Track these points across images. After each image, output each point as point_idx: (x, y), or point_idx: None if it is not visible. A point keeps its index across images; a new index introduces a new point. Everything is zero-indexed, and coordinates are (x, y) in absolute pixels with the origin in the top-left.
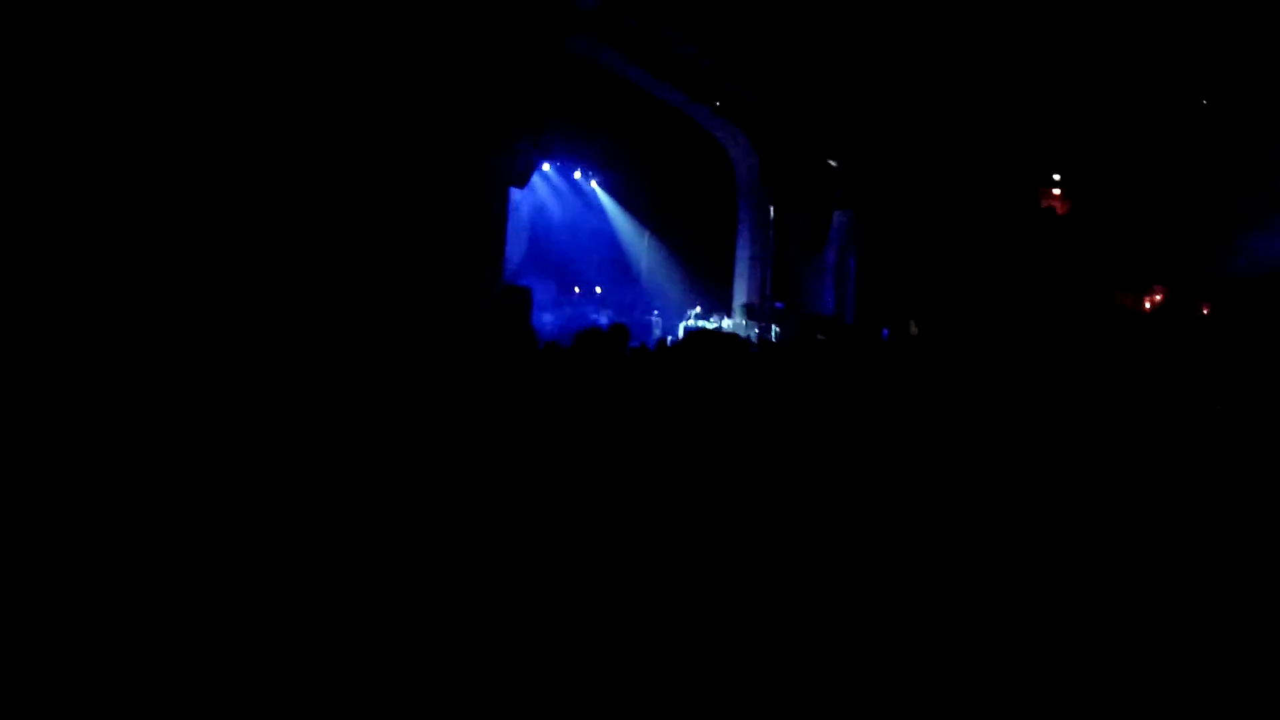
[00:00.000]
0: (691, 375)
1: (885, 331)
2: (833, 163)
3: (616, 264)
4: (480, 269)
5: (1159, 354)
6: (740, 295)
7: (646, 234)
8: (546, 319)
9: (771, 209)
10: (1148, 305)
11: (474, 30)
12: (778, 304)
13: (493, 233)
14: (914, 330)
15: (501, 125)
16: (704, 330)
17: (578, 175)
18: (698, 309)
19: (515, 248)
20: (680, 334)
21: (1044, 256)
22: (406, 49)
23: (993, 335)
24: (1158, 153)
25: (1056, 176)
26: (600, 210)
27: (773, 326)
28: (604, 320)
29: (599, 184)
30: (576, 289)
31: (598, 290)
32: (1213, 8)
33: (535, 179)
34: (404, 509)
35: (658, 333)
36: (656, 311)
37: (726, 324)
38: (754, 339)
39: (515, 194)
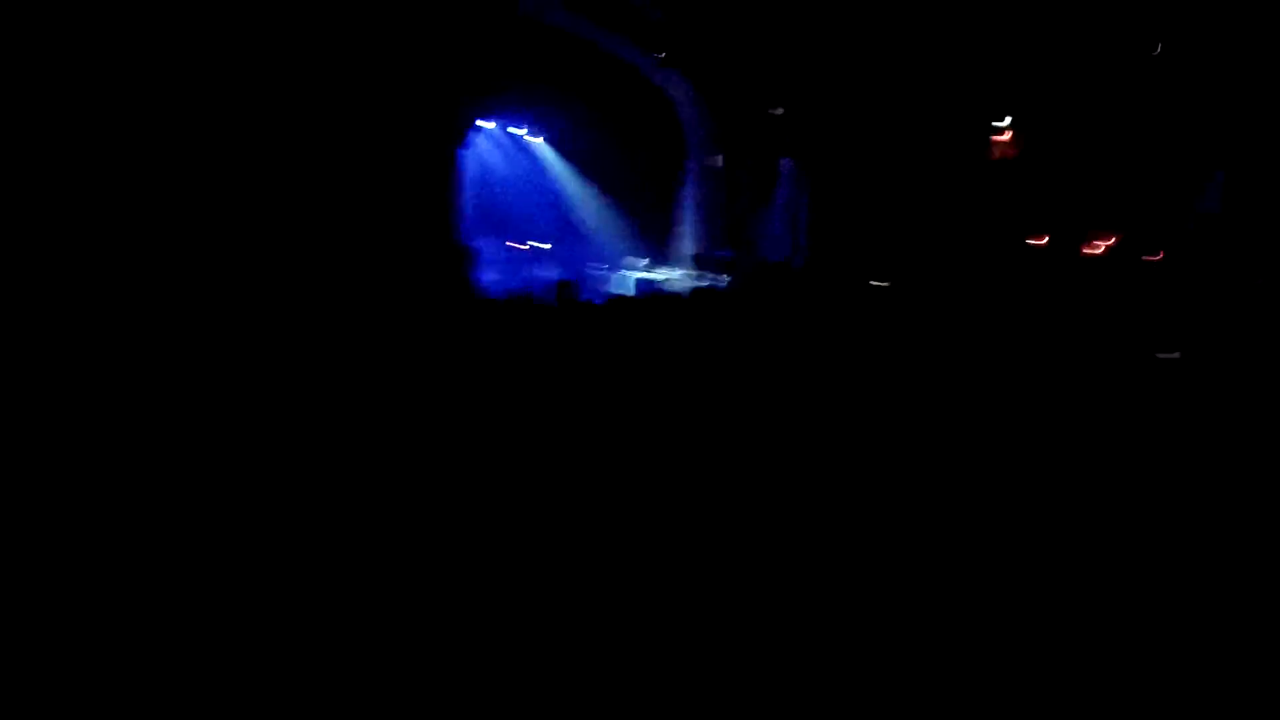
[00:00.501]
0: (634, 337)
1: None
2: (779, 110)
3: (563, 219)
4: (427, 229)
5: (1112, 299)
6: (688, 246)
7: (592, 188)
8: (493, 276)
9: (719, 158)
10: (1102, 249)
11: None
12: (727, 253)
13: (440, 191)
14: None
15: (454, 86)
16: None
17: (522, 132)
18: (646, 260)
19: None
20: (629, 286)
21: (994, 200)
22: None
23: (937, 280)
24: (1117, 99)
25: (1008, 119)
26: (545, 166)
27: (722, 275)
28: (552, 276)
29: (545, 140)
30: (525, 246)
31: (545, 247)
32: None
33: (479, 137)
34: (349, 472)
35: (606, 287)
36: (606, 265)
37: (675, 274)
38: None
39: (461, 154)
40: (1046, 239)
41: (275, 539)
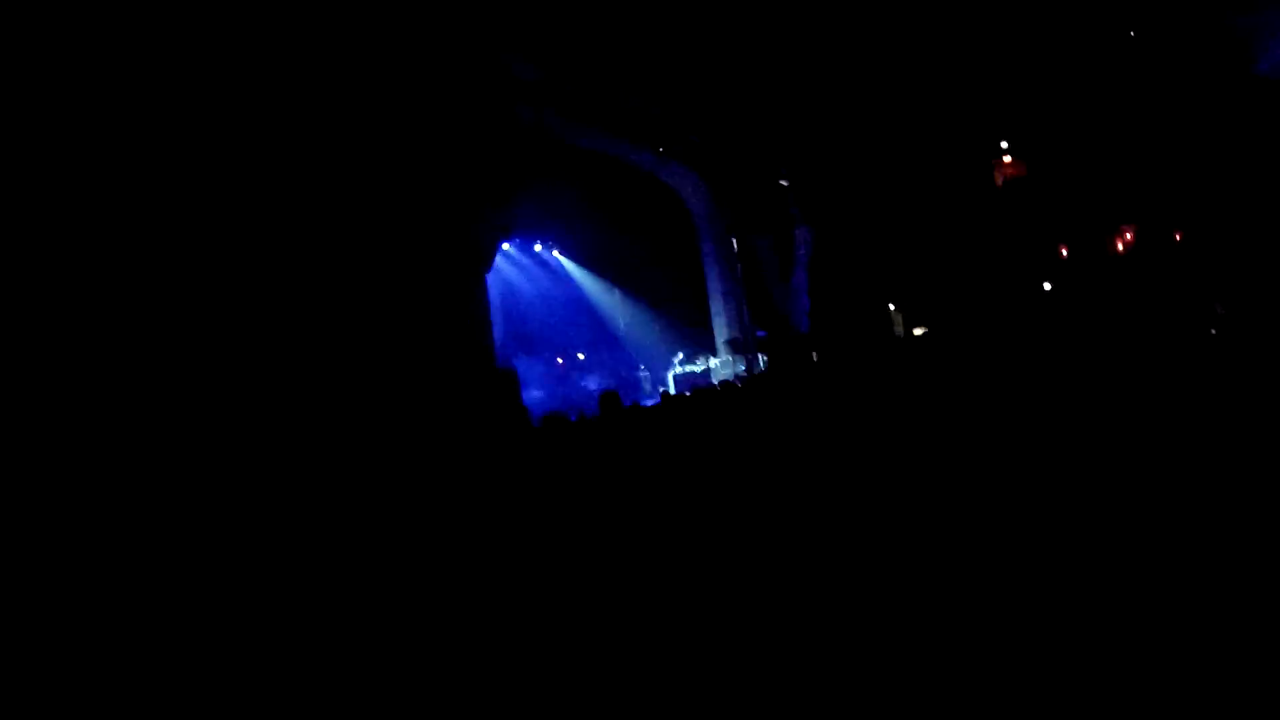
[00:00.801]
0: (683, 433)
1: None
2: (784, 182)
3: (594, 328)
4: (467, 355)
5: (1136, 293)
6: (721, 332)
7: (617, 291)
8: (537, 395)
9: (734, 240)
10: (1120, 246)
11: (428, 116)
12: (760, 332)
13: (475, 316)
14: (899, 329)
15: (469, 204)
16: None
17: (538, 248)
18: (680, 355)
19: (493, 330)
20: (669, 383)
21: (1009, 226)
22: (365, 145)
23: (974, 318)
24: (1105, 98)
25: (1005, 144)
26: (567, 278)
27: (759, 355)
28: (593, 385)
29: (560, 252)
30: (560, 360)
31: (580, 357)
32: None
33: (499, 259)
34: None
35: (648, 387)
36: (643, 365)
37: (713, 363)
38: (740, 374)
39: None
40: (1066, 249)
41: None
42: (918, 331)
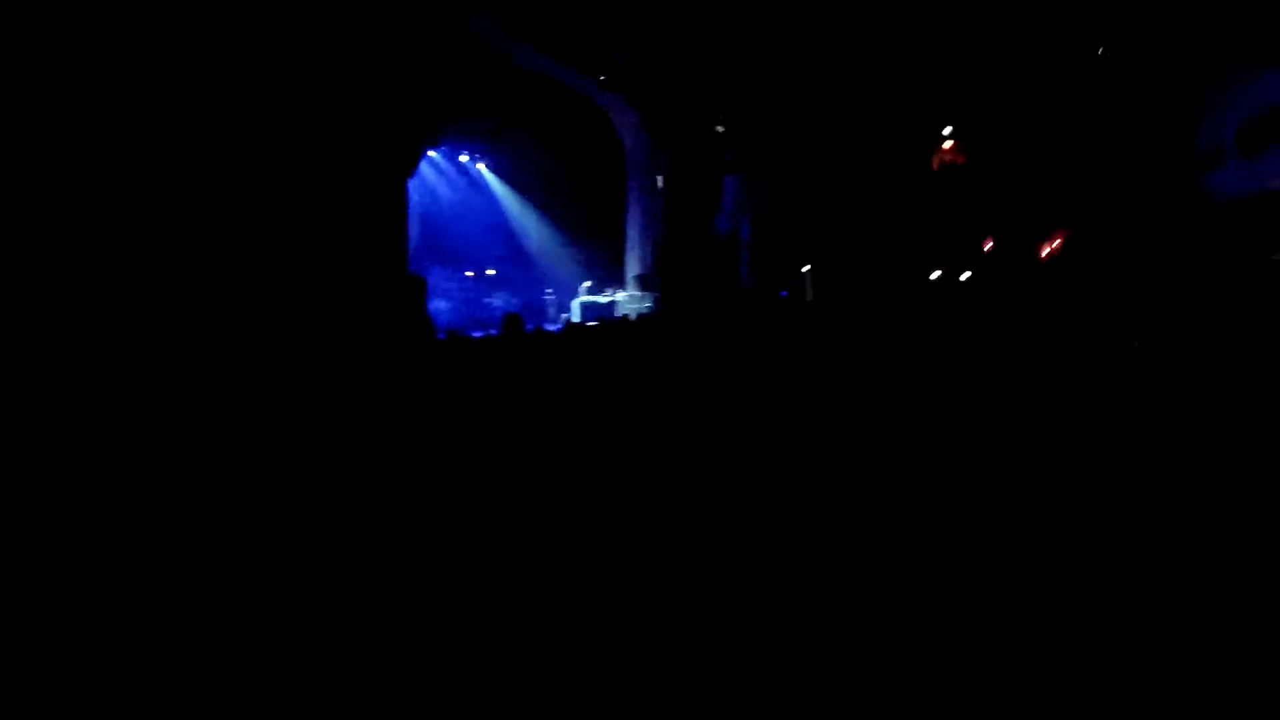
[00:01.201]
0: (587, 363)
1: (784, 293)
2: (720, 128)
3: (509, 245)
4: (377, 260)
5: (1060, 298)
6: (632, 267)
7: (535, 212)
8: (443, 306)
9: (660, 179)
10: (1046, 251)
11: (374, 14)
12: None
13: (390, 222)
14: (810, 294)
15: (405, 110)
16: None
17: (464, 158)
18: (589, 284)
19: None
20: (574, 310)
21: (940, 211)
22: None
23: (886, 293)
24: (1066, 107)
25: (949, 130)
26: (489, 192)
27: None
28: (499, 303)
29: (486, 166)
30: (470, 273)
31: (490, 273)
32: None
33: (423, 165)
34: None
35: (552, 311)
36: (550, 290)
37: (619, 296)
38: (648, 310)
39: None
40: (991, 243)
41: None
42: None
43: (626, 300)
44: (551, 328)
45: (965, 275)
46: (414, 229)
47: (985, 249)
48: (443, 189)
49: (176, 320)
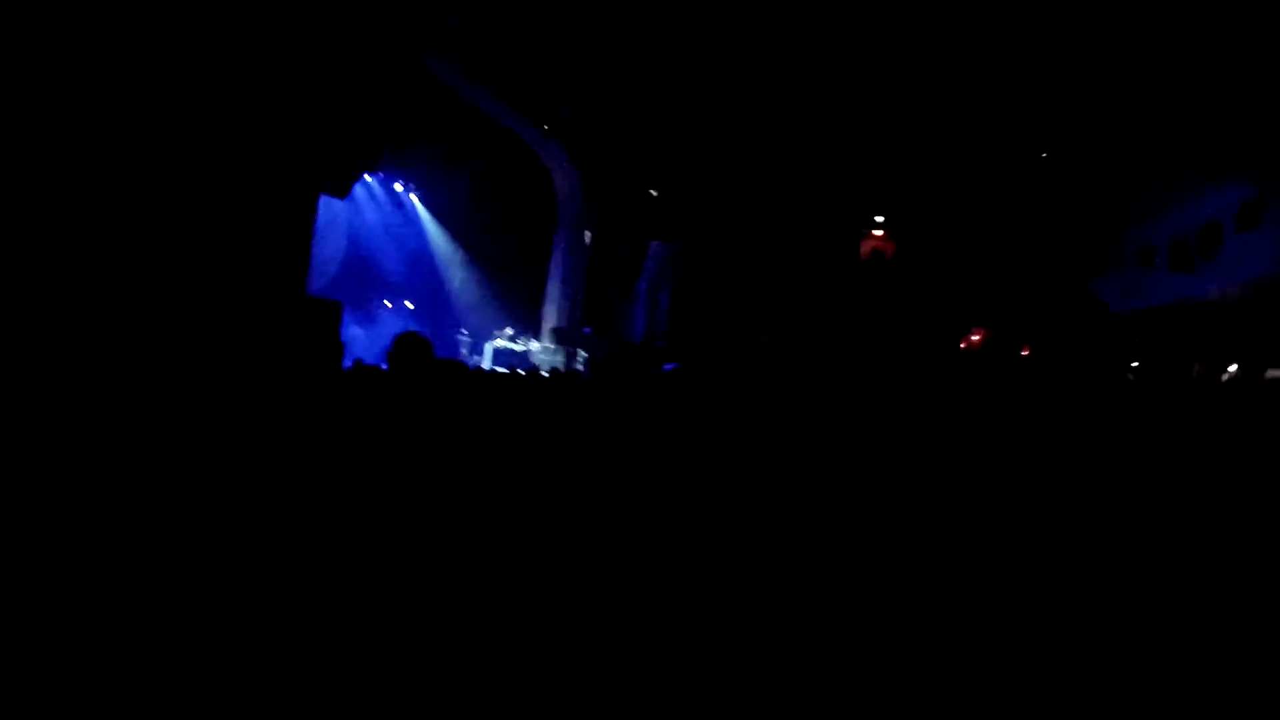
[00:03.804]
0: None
1: (668, 366)
2: (654, 192)
3: (431, 279)
4: (285, 278)
5: (970, 391)
6: (550, 319)
7: (460, 252)
8: (357, 333)
9: (588, 234)
10: (963, 346)
11: (332, 38)
12: (586, 330)
13: (299, 240)
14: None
15: (341, 138)
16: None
17: (399, 187)
18: (509, 331)
19: (332, 259)
20: (487, 354)
21: (864, 296)
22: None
23: (807, 367)
24: (995, 200)
25: (880, 219)
26: (419, 224)
27: (579, 352)
28: None
29: (419, 198)
30: (388, 303)
31: (409, 305)
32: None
33: (356, 188)
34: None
35: (465, 351)
36: (465, 330)
37: (534, 346)
38: (560, 365)
39: (335, 204)
40: (907, 329)
41: None
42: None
43: (540, 351)
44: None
45: (887, 362)
46: (340, 252)
47: (906, 339)
48: (373, 214)
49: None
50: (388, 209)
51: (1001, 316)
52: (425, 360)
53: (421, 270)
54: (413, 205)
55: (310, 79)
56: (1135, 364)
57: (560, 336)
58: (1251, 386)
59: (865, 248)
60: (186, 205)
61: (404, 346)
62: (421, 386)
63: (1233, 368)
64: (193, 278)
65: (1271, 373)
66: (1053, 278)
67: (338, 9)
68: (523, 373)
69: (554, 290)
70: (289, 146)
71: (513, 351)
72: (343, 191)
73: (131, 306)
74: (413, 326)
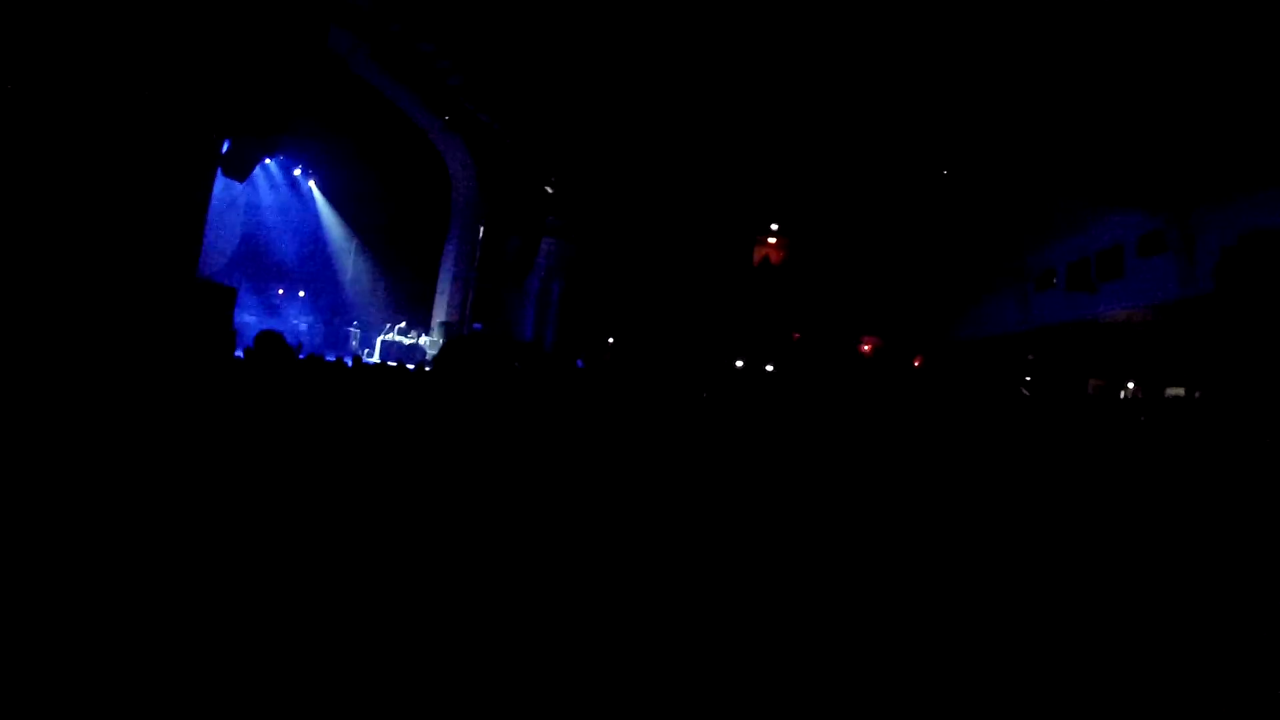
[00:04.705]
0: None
1: (580, 361)
2: (549, 189)
3: (325, 267)
4: (174, 262)
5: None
6: (440, 313)
7: (355, 241)
8: (250, 320)
9: (482, 230)
10: (859, 352)
11: (232, 12)
12: (476, 325)
13: (189, 223)
14: (610, 364)
15: (241, 113)
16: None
17: (297, 172)
18: (403, 324)
19: (228, 243)
20: (376, 347)
21: (751, 299)
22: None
23: (688, 372)
24: (892, 214)
25: (775, 226)
26: (315, 211)
27: None
28: (304, 326)
29: (316, 184)
30: (281, 291)
31: (300, 294)
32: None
33: (256, 170)
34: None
35: (354, 344)
36: (356, 322)
37: (424, 341)
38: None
39: (235, 187)
40: (798, 336)
41: None
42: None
43: (430, 345)
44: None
45: (769, 366)
46: (236, 235)
47: (792, 342)
48: (270, 199)
49: None
50: (286, 194)
51: (893, 327)
52: (284, 359)
53: (316, 259)
54: (310, 191)
55: (211, 49)
56: (1028, 379)
57: (449, 330)
58: (1148, 404)
59: (757, 255)
60: (69, 177)
61: (263, 345)
62: (281, 384)
63: (1130, 385)
64: (72, 253)
65: (1170, 391)
66: (948, 291)
67: None
68: (410, 367)
69: (445, 284)
70: (185, 120)
71: (402, 345)
72: (242, 173)
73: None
74: (305, 317)
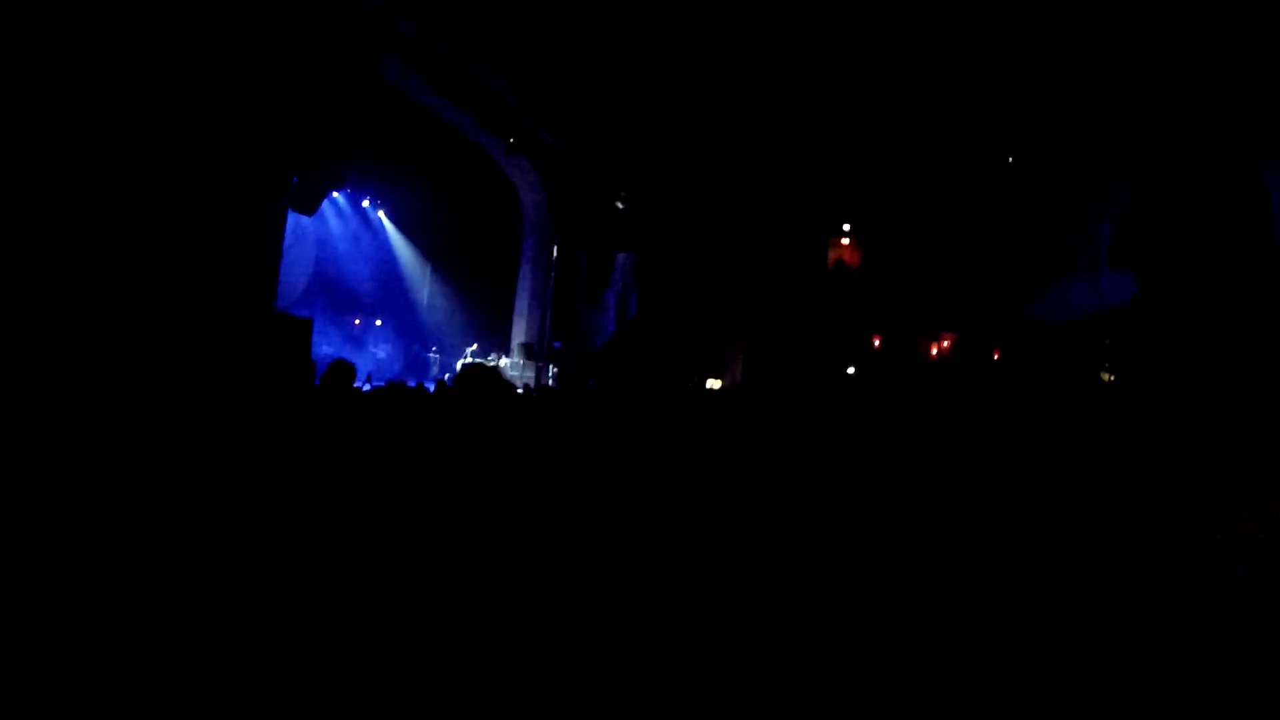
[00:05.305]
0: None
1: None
2: (619, 204)
3: (399, 296)
4: (252, 295)
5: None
6: (519, 334)
7: (429, 267)
8: (326, 351)
9: (555, 248)
10: (935, 351)
11: (288, 46)
12: (556, 343)
13: (267, 257)
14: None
15: (303, 148)
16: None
17: (366, 203)
18: (475, 346)
19: (300, 276)
20: (457, 371)
21: (831, 303)
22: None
23: (781, 379)
24: (960, 205)
25: (847, 226)
26: (386, 240)
27: (550, 366)
28: (383, 354)
29: (386, 214)
30: (357, 320)
31: (378, 323)
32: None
33: (324, 204)
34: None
35: (435, 370)
36: (435, 348)
37: (504, 363)
38: (530, 380)
39: (304, 221)
40: (880, 340)
41: None
42: (713, 384)
43: (509, 367)
44: (432, 387)
45: (851, 370)
46: (308, 268)
47: (874, 346)
48: (340, 230)
49: None
50: (356, 225)
51: (969, 321)
52: (350, 385)
53: (391, 287)
54: (380, 221)
55: (271, 94)
56: (1108, 365)
57: (528, 351)
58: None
59: (831, 256)
60: (153, 221)
61: (335, 373)
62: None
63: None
64: (160, 293)
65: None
66: (1019, 282)
67: (298, 19)
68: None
69: (522, 305)
70: (255, 159)
71: (473, 367)
72: (310, 208)
73: (98, 320)
74: (384, 345)
